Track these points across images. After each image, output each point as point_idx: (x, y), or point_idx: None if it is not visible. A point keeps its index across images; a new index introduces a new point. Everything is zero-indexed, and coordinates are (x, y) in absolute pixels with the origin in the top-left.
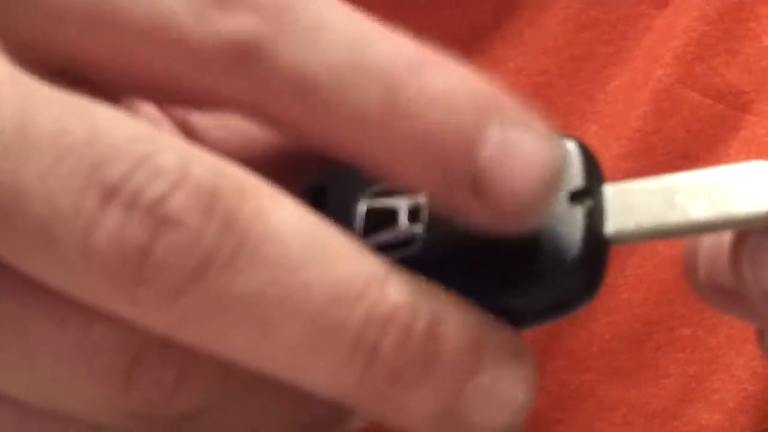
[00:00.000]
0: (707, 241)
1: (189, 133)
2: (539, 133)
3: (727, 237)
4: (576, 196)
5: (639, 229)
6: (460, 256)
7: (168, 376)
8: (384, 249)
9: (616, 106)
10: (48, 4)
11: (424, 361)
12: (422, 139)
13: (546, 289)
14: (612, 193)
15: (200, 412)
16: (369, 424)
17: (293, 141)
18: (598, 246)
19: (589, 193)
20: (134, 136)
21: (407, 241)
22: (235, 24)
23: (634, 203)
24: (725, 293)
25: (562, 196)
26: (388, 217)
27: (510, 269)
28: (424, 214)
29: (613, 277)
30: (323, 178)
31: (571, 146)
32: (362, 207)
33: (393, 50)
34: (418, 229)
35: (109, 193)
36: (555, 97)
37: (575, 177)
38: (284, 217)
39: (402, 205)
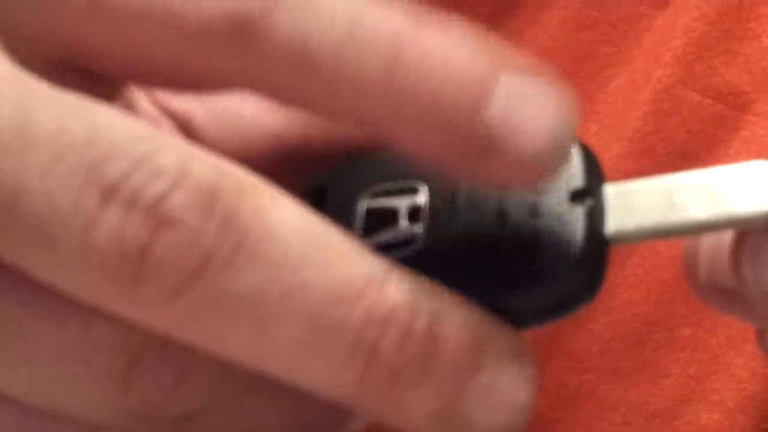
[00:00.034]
0: (707, 241)
1: (189, 132)
2: (545, 81)
3: (727, 237)
4: (576, 196)
5: (639, 229)
6: (460, 256)
7: (168, 376)
8: (384, 249)
9: (616, 106)
10: None
11: (424, 361)
12: (428, 103)
13: (546, 289)
14: (612, 193)
15: (200, 412)
16: (369, 425)
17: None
18: (598, 246)
19: (589, 193)
20: (134, 136)
21: (407, 241)
22: (229, 0)
23: (634, 203)
24: (726, 293)
25: (563, 196)
26: (388, 217)
27: (510, 269)
28: (424, 214)
29: (612, 276)
30: (323, 178)
31: (572, 146)
32: (362, 207)
33: (389, 17)
34: (418, 229)
35: (109, 193)
36: None
37: (576, 177)
38: (284, 216)
39: (402, 205)
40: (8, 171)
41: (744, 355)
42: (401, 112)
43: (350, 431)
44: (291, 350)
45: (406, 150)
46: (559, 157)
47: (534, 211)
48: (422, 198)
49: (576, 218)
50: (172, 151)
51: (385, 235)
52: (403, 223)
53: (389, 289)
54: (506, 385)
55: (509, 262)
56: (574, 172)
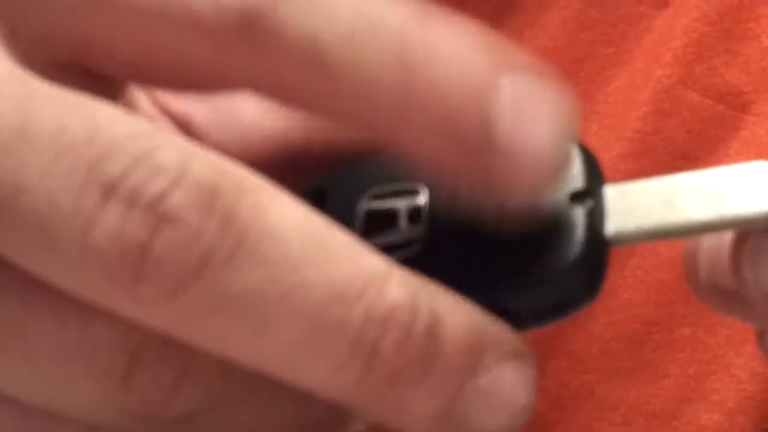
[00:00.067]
0: (707, 242)
1: (189, 134)
2: (547, 82)
3: (727, 237)
4: (576, 197)
5: (639, 230)
6: (460, 257)
7: (167, 375)
8: (384, 250)
9: (616, 106)
10: None
11: (423, 361)
12: (435, 96)
13: (546, 290)
14: (612, 194)
15: (199, 412)
16: (369, 425)
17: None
18: (598, 247)
19: (589, 194)
20: (134, 134)
21: (407, 243)
22: None
23: (634, 204)
24: (726, 294)
25: (563, 197)
26: (388, 218)
27: (510, 270)
28: (424, 216)
29: (612, 277)
30: (323, 180)
31: (572, 148)
32: (362, 209)
33: (397, 11)
34: (418, 230)
35: (109, 190)
36: None
37: (576, 178)
38: (284, 214)
39: (402, 206)
40: (8, 170)
41: (744, 355)
42: (405, 110)
43: (350, 431)
44: (290, 350)
45: (407, 150)
46: (561, 160)
47: (534, 212)
48: (422, 199)
49: (576, 219)
50: (172, 148)
51: (386, 237)
52: (403, 224)
53: (389, 288)
54: (506, 387)
55: (509, 263)
56: (574, 174)
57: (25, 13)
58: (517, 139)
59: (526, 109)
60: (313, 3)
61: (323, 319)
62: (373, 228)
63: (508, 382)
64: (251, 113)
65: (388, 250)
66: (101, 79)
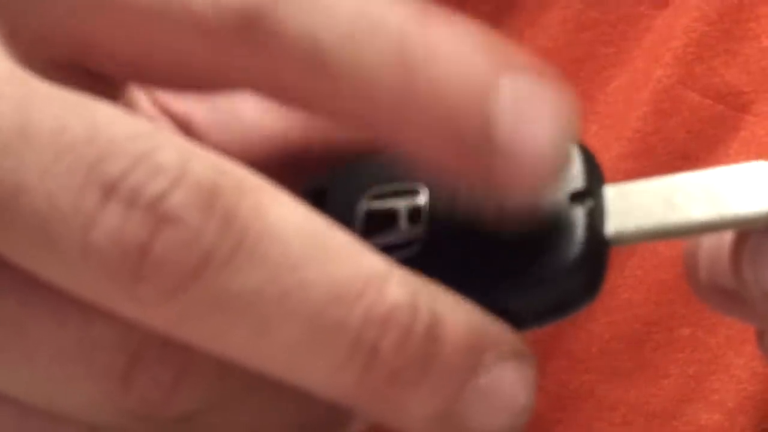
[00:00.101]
0: (707, 242)
1: (189, 134)
2: (547, 83)
3: (727, 237)
4: (576, 197)
5: (639, 230)
6: (460, 257)
7: (167, 375)
8: (384, 251)
9: (616, 106)
10: None
11: (423, 361)
12: (434, 93)
13: (546, 290)
14: (612, 194)
15: (199, 412)
16: (369, 425)
17: (305, 143)
18: (598, 247)
19: (589, 194)
20: (134, 133)
21: (407, 243)
22: None
23: (634, 204)
24: (726, 294)
25: (563, 197)
26: (388, 219)
27: (510, 271)
28: (424, 216)
29: (612, 277)
30: (323, 181)
31: (572, 148)
32: (362, 209)
33: (397, 11)
34: (418, 230)
35: (109, 190)
36: None
37: (576, 178)
38: (284, 214)
39: (402, 206)
40: (8, 170)
41: (743, 355)
42: (405, 110)
43: (350, 431)
44: (290, 350)
45: (407, 150)
46: (561, 160)
47: (534, 212)
48: (422, 199)
49: (576, 219)
50: (172, 148)
51: (386, 237)
52: (403, 224)
53: (389, 289)
54: (506, 387)
55: (509, 263)
56: (574, 174)
57: (25, 13)
58: (516, 139)
59: (526, 109)
60: (313, 3)
61: (323, 320)
62: (373, 228)
63: (508, 382)
64: (251, 113)
65: (388, 250)
66: (101, 79)
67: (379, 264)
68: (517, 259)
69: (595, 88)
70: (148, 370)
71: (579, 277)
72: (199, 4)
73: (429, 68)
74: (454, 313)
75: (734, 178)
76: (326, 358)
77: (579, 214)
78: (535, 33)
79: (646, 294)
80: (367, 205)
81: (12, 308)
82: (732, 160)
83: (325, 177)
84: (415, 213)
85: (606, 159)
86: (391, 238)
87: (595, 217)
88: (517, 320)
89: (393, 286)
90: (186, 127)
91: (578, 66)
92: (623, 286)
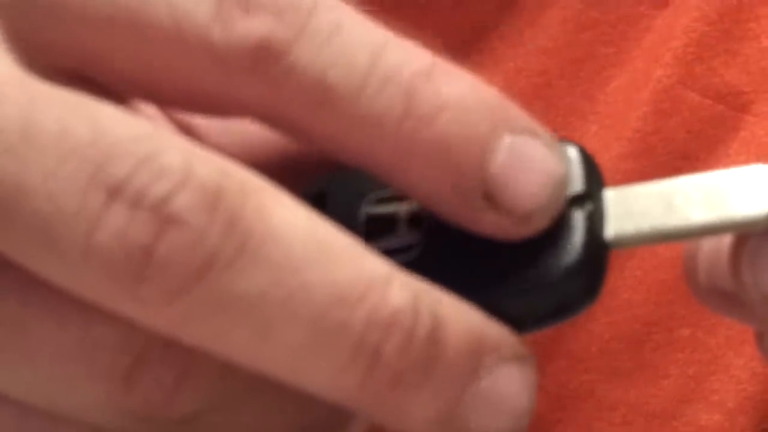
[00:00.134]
0: (707, 245)
1: (190, 137)
2: (546, 140)
3: (726, 240)
4: (576, 201)
5: (639, 233)
6: (460, 261)
7: (169, 376)
8: (384, 255)
9: (616, 106)
10: (69, 6)
11: (425, 365)
12: (436, 146)
13: (546, 293)
14: (612, 197)
15: (201, 414)
16: (370, 428)
17: (305, 146)
18: (598, 250)
19: (589, 198)
20: (138, 136)
21: (407, 247)
22: (255, 26)
23: (633, 207)
24: (725, 296)
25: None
26: (388, 223)
27: (510, 274)
28: (424, 220)
29: (612, 278)
30: (323, 185)
31: (571, 151)
32: (362, 213)
33: (408, 57)
34: (418, 235)
35: (113, 192)
36: (555, 98)
37: (575, 181)
38: (287, 217)
39: (402, 211)
40: (11, 172)
41: (743, 355)
42: (411, 149)
43: None
44: (293, 352)
45: (408, 193)
46: (550, 214)
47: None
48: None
49: (576, 223)
50: (177, 151)
51: (386, 241)
52: (404, 228)
53: (392, 292)
54: (507, 390)
55: (509, 266)
56: (574, 177)
57: (31, 17)
58: (513, 192)
59: (520, 169)
60: (329, 47)
61: (325, 322)
62: (374, 232)
63: (510, 385)
64: None
65: (388, 254)
66: (109, 90)
67: (382, 267)
68: (516, 262)
69: (595, 88)
70: (151, 370)
71: (578, 280)
72: (214, 33)
73: (433, 123)
74: (456, 316)
75: (734, 181)
76: (328, 360)
77: (578, 218)
78: (535, 33)
79: (646, 294)
80: (367, 209)
81: (13, 308)
82: (732, 160)
83: (325, 181)
84: (415, 217)
85: (606, 159)
86: (391, 242)
87: (595, 220)
88: (517, 323)
89: (395, 289)
90: (187, 129)
91: (578, 66)
92: (623, 287)
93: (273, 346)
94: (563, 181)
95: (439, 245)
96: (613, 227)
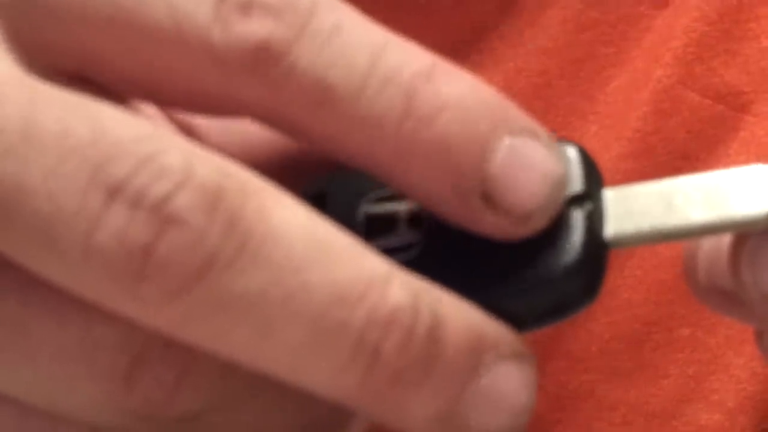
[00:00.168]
0: (707, 244)
1: (190, 136)
2: (545, 141)
3: (726, 240)
4: (575, 200)
5: (638, 233)
6: (460, 260)
7: (169, 375)
8: (384, 254)
9: (616, 106)
10: (69, 6)
11: (425, 363)
12: (436, 146)
13: (546, 292)
14: (611, 196)
15: (202, 413)
16: (371, 426)
17: (304, 147)
18: (597, 249)
19: (588, 197)
20: (138, 136)
21: (407, 246)
22: (255, 27)
23: (633, 207)
24: (725, 296)
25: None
26: (388, 222)
27: (509, 273)
28: (424, 219)
29: (612, 277)
30: (322, 184)
31: (571, 151)
32: (362, 213)
33: (409, 58)
34: (418, 234)
35: (114, 192)
36: (555, 98)
37: (575, 181)
38: (287, 217)
39: (402, 210)
40: (12, 172)
41: (743, 355)
42: (410, 150)
43: None
44: (293, 351)
45: (407, 193)
46: (549, 215)
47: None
48: None
49: (575, 222)
50: (177, 151)
51: (386, 240)
52: (403, 228)
53: (391, 291)
54: (507, 388)
55: (508, 265)
56: (574, 177)
57: (31, 16)
58: (512, 193)
59: (519, 171)
60: (329, 47)
61: (326, 321)
62: (373, 231)
63: (509, 383)
64: None
65: (388, 253)
66: (110, 91)
67: (382, 266)
68: (516, 261)
69: (595, 88)
70: (151, 370)
71: (578, 279)
72: (214, 34)
73: (433, 123)
74: (455, 314)
75: (733, 181)
76: (329, 359)
77: (578, 217)
78: (535, 33)
79: (646, 294)
80: (366, 208)
81: (13, 308)
82: (732, 160)
83: (325, 180)
84: (414, 216)
85: (606, 159)
86: (391, 241)
87: (594, 220)
88: (516, 322)
89: (395, 288)
90: (187, 129)
91: (578, 66)
92: (623, 287)
93: (273, 346)
94: (562, 181)
95: (439, 244)
96: (612, 227)
